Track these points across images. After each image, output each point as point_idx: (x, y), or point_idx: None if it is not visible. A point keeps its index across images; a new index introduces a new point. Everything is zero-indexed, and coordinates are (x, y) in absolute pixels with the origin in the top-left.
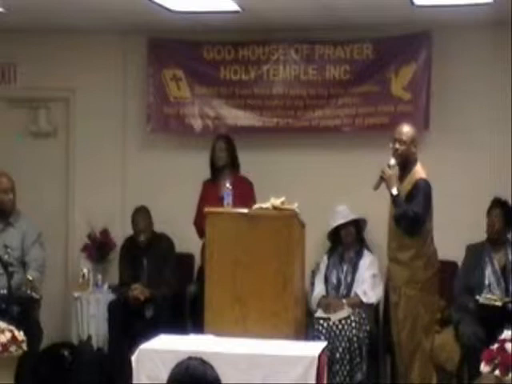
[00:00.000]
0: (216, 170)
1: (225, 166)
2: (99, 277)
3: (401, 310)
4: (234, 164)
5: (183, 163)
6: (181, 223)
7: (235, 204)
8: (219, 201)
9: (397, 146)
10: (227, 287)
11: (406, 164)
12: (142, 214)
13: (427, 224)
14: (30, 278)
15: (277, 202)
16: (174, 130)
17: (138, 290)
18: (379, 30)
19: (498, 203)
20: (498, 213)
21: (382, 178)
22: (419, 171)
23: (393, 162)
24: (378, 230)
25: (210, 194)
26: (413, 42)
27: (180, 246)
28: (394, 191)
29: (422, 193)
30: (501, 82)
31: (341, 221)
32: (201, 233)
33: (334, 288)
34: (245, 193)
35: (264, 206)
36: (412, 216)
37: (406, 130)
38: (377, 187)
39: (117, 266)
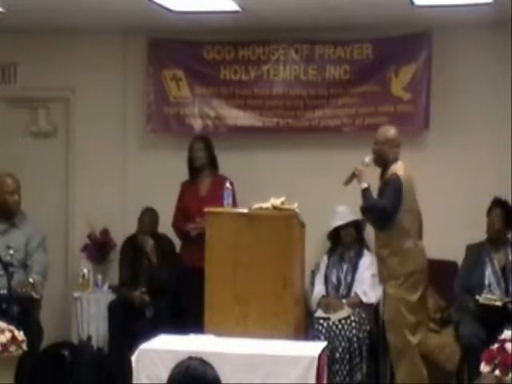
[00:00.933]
0: (195, 171)
1: (204, 166)
2: (99, 277)
3: (385, 309)
4: (212, 164)
5: (183, 163)
6: None
7: (215, 205)
8: (200, 201)
9: (372, 145)
10: (227, 287)
11: (384, 163)
12: (150, 215)
13: (402, 220)
14: (32, 281)
15: (277, 201)
16: (174, 130)
17: (138, 299)
18: (379, 30)
19: (498, 203)
20: (498, 213)
21: (354, 174)
22: (396, 169)
23: (367, 159)
24: None
25: (189, 194)
26: (413, 42)
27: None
28: (363, 185)
29: (391, 187)
30: (501, 81)
31: (340, 222)
32: (180, 234)
33: (333, 288)
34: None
35: (264, 205)
36: (380, 208)
37: (382, 131)
38: (347, 183)
39: (117, 266)
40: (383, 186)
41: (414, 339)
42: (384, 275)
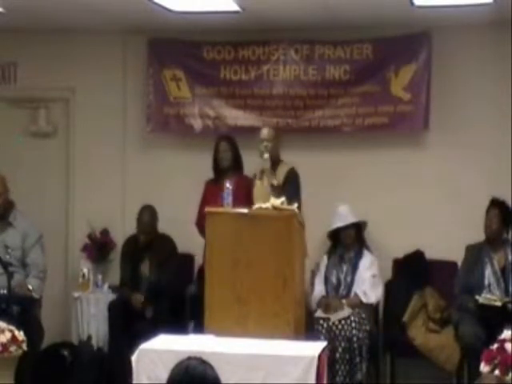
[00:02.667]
0: (220, 171)
1: (229, 166)
2: (99, 277)
3: None
4: (237, 164)
5: (183, 163)
6: (181, 223)
7: (240, 204)
8: (221, 201)
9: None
10: (227, 287)
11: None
12: (148, 213)
13: None
14: (30, 288)
15: (277, 201)
16: (174, 130)
17: (137, 302)
18: (379, 30)
19: (495, 203)
20: (496, 213)
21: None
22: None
23: (266, 156)
24: (378, 230)
25: (212, 194)
26: (413, 42)
27: (180, 246)
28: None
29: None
30: (501, 81)
31: (339, 224)
32: (204, 233)
33: (333, 288)
34: (248, 192)
35: (264, 205)
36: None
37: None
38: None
39: (117, 266)
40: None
41: None
42: None
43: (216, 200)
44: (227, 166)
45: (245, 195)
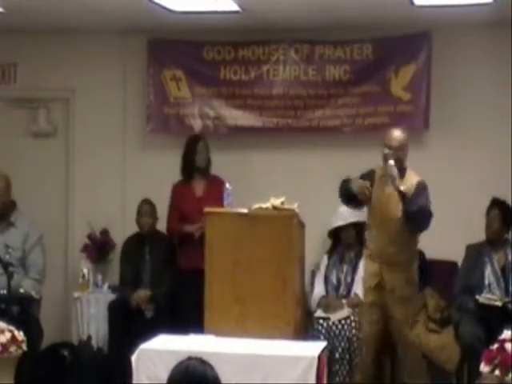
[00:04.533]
0: (191, 172)
1: (204, 167)
2: (99, 277)
3: (402, 310)
4: (209, 166)
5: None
6: None
7: (213, 205)
8: (198, 202)
9: (386, 151)
10: (227, 287)
11: (400, 168)
12: (146, 206)
13: None
14: (22, 291)
15: (277, 202)
16: (174, 130)
17: (140, 299)
18: (379, 30)
19: (496, 203)
20: (497, 213)
21: (388, 176)
22: (414, 175)
23: (392, 162)
24: None
25: (186, 195)
26: (413, 42)
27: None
28: (402, 187)
29: (426, 191)
30: (501, 82)
31: (341, 222)
32: (177, 236)
33: (333, 288)
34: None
35: (264, 206)
36: (429, 210)
37: (397, 135)
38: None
39: (117, 266)
40: (417, 190)
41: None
42: (402, 281)
43: (191, 199)
44: (204, 166)
45: (218, 196)
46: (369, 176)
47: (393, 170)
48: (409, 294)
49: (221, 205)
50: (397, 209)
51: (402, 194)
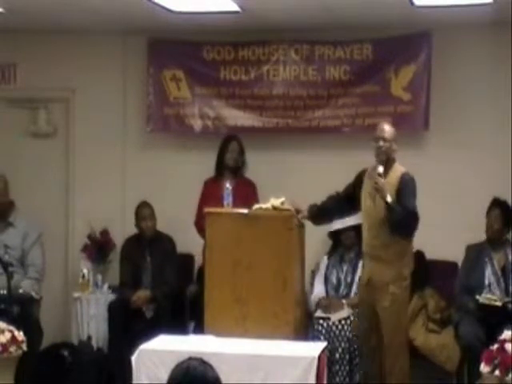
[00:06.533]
0: (223, 170)
1: (235, 167)
2: (99, 277)
3: (389, 309)
4: (241, 167)
5: (183, 163)
6: (181, 223)
7: (238, 205)
8: (222, 199)
9: (381, 143)
10: (227, 287)
11: (388, 161)
12: (146, 209)
13: None
14: (21, 291)
15: (277, 202)
16: (174, 129)
17: (140, 300)
18: (379, 30)
19: (497, 203)
20: (497, 213)
21: (376, 189)
22: (400, 166)
23: (381, 169)
24: None
25: (212, 193)
26: (413, 42)
27: (180, 246)
28: (389, 199)
29: (411, 187)
30: (501, 82)
31: (339, 226)
32: (202, 233)
33: (333, 288)
34: (248, 194)
35: (264, 206)
36: (414, 213)
37: (387, 127)
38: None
39: (117, 266)
40: (399, 186)
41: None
42: (389, 276)
43: (216, 198)
44: (234, 167)
45: (244, 196)
46: (358, 179)
47: (380, 181)
48: (397, 289)
49: (244, 206)
50: (382, 207)
51: (388, 205)
